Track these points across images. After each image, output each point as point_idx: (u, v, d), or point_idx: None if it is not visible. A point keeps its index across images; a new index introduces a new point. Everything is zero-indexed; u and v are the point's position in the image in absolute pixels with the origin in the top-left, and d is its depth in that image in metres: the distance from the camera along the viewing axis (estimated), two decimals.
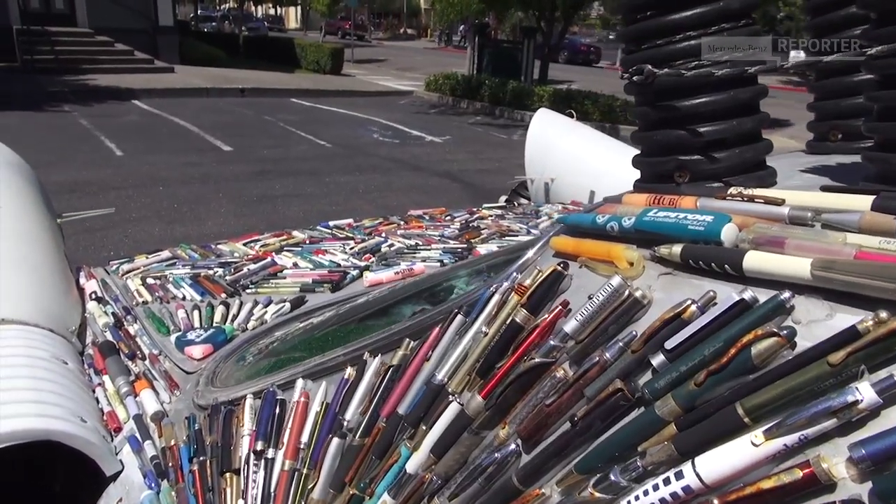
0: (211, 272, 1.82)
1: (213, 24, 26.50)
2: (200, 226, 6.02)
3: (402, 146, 10.73)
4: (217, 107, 13.06)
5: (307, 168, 8.65)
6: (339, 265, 1.87)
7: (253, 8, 31.71)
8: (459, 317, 0.94)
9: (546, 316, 0.80)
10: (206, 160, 8.63)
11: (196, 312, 1.54)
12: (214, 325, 1.48)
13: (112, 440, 1.17)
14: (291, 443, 0.98)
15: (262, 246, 2.07)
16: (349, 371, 1.04)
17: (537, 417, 0.74)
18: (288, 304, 1.56)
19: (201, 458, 0.98)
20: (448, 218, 2.55)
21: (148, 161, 8.34)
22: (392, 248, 2.03)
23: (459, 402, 0.84)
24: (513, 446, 0.75)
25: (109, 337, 1.48)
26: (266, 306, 1.58)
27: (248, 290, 1.69)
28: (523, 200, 3.41)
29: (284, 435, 1.00)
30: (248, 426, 1.00)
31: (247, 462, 0.98)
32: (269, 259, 1.90)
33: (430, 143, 11.21)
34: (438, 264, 1.88)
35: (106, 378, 1.32)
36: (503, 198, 3.62)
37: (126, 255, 2.12)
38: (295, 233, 2.25)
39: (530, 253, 1.03)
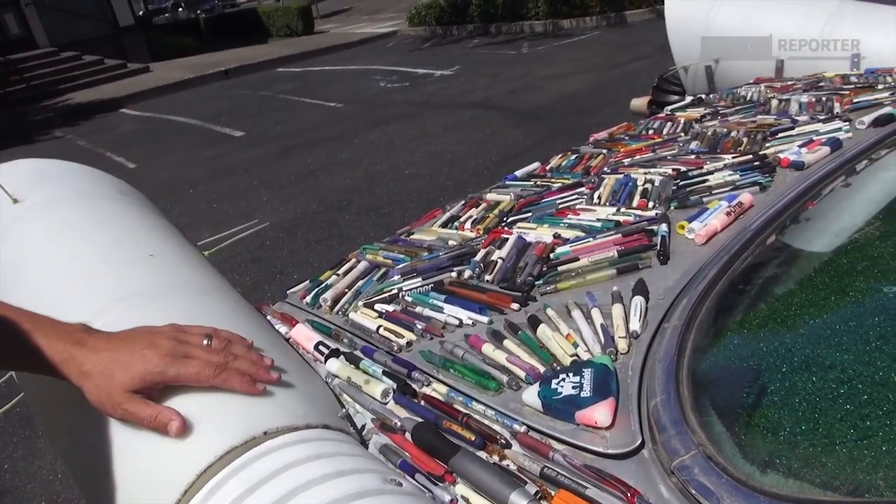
0: (451, 275, 1.26)
1: (167, 15, 25.14)
2: (250, 220, 5.47)
3: (413, 88, 10.01)
4: (208, 95, 12.30)
5: (330, 134, 8.01)
6: (619, 223, 1.31)
7: None
8: None
9: None
10: (223, 151, 8.01)
11: (504, 346, 0.99)
12: (572, 360, 0.93)
13: None
14: None
15: (474, 223, 1.50)
16: None
17: None
18: (640, 299, 1.01)
19: None
20: (646, 133, 1.96)
21: (164, 165, 7.74)
22: (656, 185, 1.46)
23: None
24: None
25: (403, 414, 0.94)
26: (598, 308, 1.02)
27: (546, 290, 1.13)
28: (673, 97, 2.81)
29: None
30: None
31: None
32: (513, 237, 1.34)
33: (440, 77, 10.48)
34: (757, 188, 1.32)
35: (479, 500, 0.78)
36: (638, 101, 3.02)
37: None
38: (489, 196, 1.68)
39: None
